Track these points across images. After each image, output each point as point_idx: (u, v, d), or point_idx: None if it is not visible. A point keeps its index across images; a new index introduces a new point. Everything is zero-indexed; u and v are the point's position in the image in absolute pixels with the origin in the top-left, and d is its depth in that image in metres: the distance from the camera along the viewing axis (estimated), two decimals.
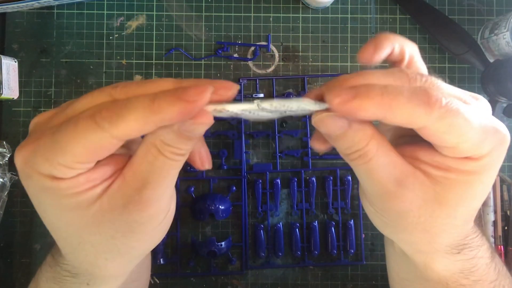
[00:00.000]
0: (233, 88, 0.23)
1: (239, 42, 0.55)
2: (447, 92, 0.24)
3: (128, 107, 0.21)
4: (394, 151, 0.25)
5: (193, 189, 0.54)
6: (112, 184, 0.24)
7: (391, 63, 0.28)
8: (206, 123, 0.22)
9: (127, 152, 0.25)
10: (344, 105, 0.22)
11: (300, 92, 0.55)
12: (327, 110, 0.23)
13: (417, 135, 0.24)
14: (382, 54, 0.26)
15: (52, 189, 0.23)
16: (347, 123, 0.23)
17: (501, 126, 0.24)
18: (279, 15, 0.56)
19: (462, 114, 0.22)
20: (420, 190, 0.24)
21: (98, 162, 0.23)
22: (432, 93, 0.22)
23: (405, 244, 0.28)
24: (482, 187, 0.25)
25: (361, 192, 0.28)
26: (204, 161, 0.27)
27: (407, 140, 0.27)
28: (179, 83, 0.23)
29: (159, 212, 0.25)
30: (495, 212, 0.54)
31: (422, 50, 0.57)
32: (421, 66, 0.28)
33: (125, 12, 0.55)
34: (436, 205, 0.25)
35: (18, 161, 0.23)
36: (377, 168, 0.24)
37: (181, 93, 0.21)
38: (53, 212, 0.24)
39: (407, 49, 0.27)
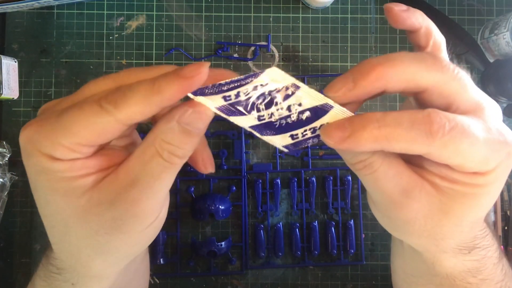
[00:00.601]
0: (232, 75, 0.23)
1: (239, 42, 0.55)
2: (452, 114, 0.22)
3: (131, 89, 0.22)
4: (400, 160, 0.24)
5: (193, 189, 0.54)
6: (105, 178, 0.24)
7: (416, 45, 0.28)
8: (204, 113, 0.23)
9: (127, 153, 0.25)
10: (341, 144, 0.22)
11: None
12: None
13: None
14: (409, 20, 0.26)
15: (49, 170, 0.23)
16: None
17: (509, 136, 0.23)
18: (279, 15, 0.56)
19: (467, 138, 0.22)
20: (426, 200, 0.24)
21: (97, 152, 0.24)
22: (434, 119, 0.21)
23: (413, 244, 0.28)
24: (489, 197, 0.25)
25: (369, 197, 0.28)
26: (207, 164, 0.27)
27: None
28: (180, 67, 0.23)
29: (146, 215, 0.25)
30: (495, 212, 0.54)
31: None
32: (444, 57, 0.28)
33: (125, 12, 0.55)
34: (442, 215, 0.25)
35: (22, 139, 0.23)
36: (383, 179, 0.24)
37: (179, 71, 0.22)
38: (46, 195, 0.24)
39: (435, 36, 0.27)
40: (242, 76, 0.23)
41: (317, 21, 0.56)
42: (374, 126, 0.21)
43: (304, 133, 0.25)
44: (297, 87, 0.23)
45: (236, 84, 0.23)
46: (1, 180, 0.52)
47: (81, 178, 0.23)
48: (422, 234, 0.26)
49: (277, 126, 0.25)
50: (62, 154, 0.23)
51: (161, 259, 0.53)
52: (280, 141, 0.25)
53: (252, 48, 0.55)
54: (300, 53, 0.56)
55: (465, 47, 0.52)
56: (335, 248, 0.54)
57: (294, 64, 0.55)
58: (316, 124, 0.24)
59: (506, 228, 0.54)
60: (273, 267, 0.54)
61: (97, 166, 0.24)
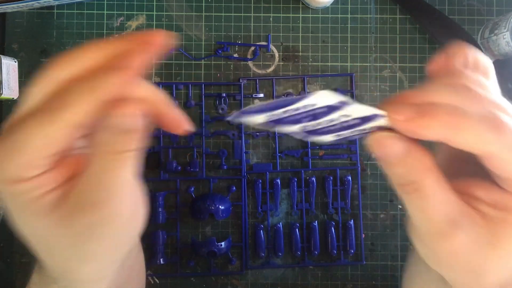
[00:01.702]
0: (165, 37, 0.24)
1: (239, 42, 0.55)
2: None
3: (70, 93, 0.22)
4: (449, 186, 0.23)
5: (193, 189, 0.54)
6: (71, 187, 0.24)
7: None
8: (129, 113, 0.22)
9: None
10: (409, 123, 0.21)
11: (300, 92, 0.55)
12: (385, 129, 0.22)
13: (468, 165, 0.23)
14: (454, 63, 0.24)
15: (13, 194, 0.23)
16: (407, 148, 0.22)
17: None
18: (279, 15, 0.56)
19: None
20: (474, 231, 0.23)
21: (60, 161, 0.23)
22: (503, 118, 0.21)
23: (452, 278, 0.26)
24: None
25: (410, 224, 0.25)
26: (177, 123, 0.26)
27: (458, 171, 0.25)
28: (105, 49, 0.23)
29: (116, 217, 0.24)
30: None
31: (422, 50, 0.57)
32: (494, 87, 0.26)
33: (125, 12, 0.55)
34: (490, 249, 0.23)
35: None
36: (432, 206, 0.22)
37: (118, 63, 0.22)
38: (19, 218, 0.24)
39: (481, 63, 0.25)
40: (289, 99, 0.22)
41: (317, 21, 0.56)
42: (445, 111, 0.21)
43: (351, 134, 0.25)
44: (347, 104, 0.22)
45: (282, 104, 0.22)
46: None
47: (47, 195, 0.23)
48: (464, 268, 0.24)
49: (323, 131, 0.25)
50: (20, 174, 0.22)
51: (161, 259, 0.53)
52: (327, 139, 0.26)
53: (252, 48, 0.55)
54: (300, 53, 0.56)
55: None
56: (335, 248, 0.54)
57: (294, 64, 0.55)
58: (364, 127, 0.23)
59: None
60: (273, 267, 0.54)
61: (60, 178, 0.23)
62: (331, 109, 0.23)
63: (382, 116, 0.22)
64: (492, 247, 0.23)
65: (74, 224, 0.24)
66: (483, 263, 0.23)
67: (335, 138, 0.26)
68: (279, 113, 0.23)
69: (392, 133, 0.22)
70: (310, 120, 0.24)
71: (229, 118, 0.24)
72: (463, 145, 0.21)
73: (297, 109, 0.23)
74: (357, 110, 0.23)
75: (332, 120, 0.24)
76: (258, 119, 0.24)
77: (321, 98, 0.22)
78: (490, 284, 0.25)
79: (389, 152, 0.22)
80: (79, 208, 0.23)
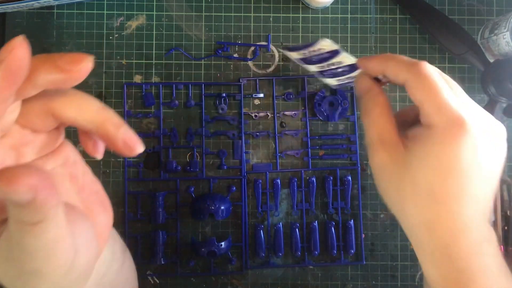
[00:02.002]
0: (84, 61, 0.21)
1: (239, 42, 0.55)
2: (437, 72, 0.33)
3: None
4: (391, 120, 0.35)
5: (193, 189, 0.54)
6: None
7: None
8: (20, 190, 0.18)
9: None
10: (363, 61, 0.37)
11: (300, 92, 0.55)
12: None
13: (414, 120, 0.35)
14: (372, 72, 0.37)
15: None
16: (370, 86, 0.36)
17: (465, 118, 0.31)
18: (279, 15, 0.56)
19: (435, 83, 0.32)
20: (394, 153, 0.34)
21: None
22: (418, 62, 0.33)
23: (380, 191, 0.37)
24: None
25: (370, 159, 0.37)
26: (127, 146, 0.23)
27: (406, 123, 0.37)
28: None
29: (45, 273, 0.22)
30: (495, 212, 0.54)
31: (422, 50, 0.57)
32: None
33: (125, 12, 0.55)
34: (404, 168, 0.33)
35: None
36: (373, 125, 0.35)
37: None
38: None
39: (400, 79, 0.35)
40: (306, 44, 0.41)
41: (317, 21, 0.56)
42: (380, 56, 0.35)
43: (345, 80, 0.42)
44: (339, 52, 0.39)
45: (304, 47, 0.41)
46: None
47: None
48: (386, 183, 0.35)
49: (329, 74, 0.42)
50: None
51: (161, 259, 0.53)
52: (332, 82, 0.44)
53: (252, 48, 0.55)
54: None
55: (465, 47, 0.52)
56: (335, 248, 0.54)
57: (294, 64, 0.55)
58: (352, 75, 0.40)
59: (506, 228, 0.54)
60: (273, 267, 0.54)
61: None
62: (331, 54, 0.39)
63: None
64: (405, 169, 0.33)
65: (12, 270, 0.22)
66: (399, 180, 0.33)
67: (337, 83, 0.43)
68: (305, 52, 0.41)
69: (365, 76, 0.37)
70: (320, 62, 0.41)
71: (281, 49, 0.41)
72: (391, 75, 0.34)
73: (313, 51, 0.40)
74: (346, 57, 0.39)
75: (333, 64, 0.40)
76: (294, 55, 0.43)
77: (325, 44, 0.39)
78: (405, 195, 0.34)
79: (360, 87, 0.37)
80: (6, 259, 0.21)
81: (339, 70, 0.40)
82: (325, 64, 0.40)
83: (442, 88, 0.32)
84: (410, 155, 0.33)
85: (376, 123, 0.35)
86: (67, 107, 0.22)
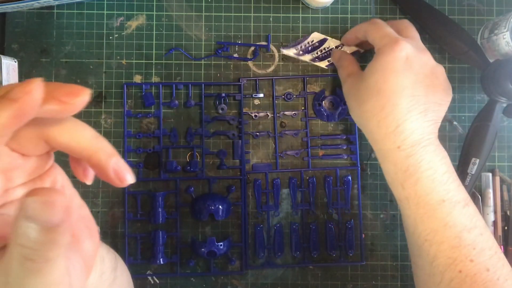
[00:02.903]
0: (81, 95, 0.20)
1: (239, 42, 0.55)
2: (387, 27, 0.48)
3: None
4: (353, 60, 0.52)
5: (192, 189, 0.54)
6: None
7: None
8: (56, 201, 0.18)
9: None
10: (343, 38, 0.55)
11: (300, 92, 0.55)
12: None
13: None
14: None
15: None
16: (342, 54, 0.53)
17: (400, 38, 0.45)
18: (279, 15, 0.56)
19: (381, 25, 0.47)
20: (355, 77, 0.49)
21: None
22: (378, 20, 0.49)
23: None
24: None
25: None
26: (118, 176, 0.23)
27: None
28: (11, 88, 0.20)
29: None
30: (495, 212, 0.54)
31: None
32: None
33: (125, 12, 0.55)
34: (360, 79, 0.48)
35: None
36: (341, 70, 0.52)
37: (8, 94, 0.19)
38: None
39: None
40: (301, 39, 0.55)
41: (317, 21, 0.56)
42: (352, 29, 0.53)
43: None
44: (326, 39, 0.55)
45: (298, 42, 0.55)
46: None
47: None
48: (348, 95, 0.51)
49: (321, 58, 0.55)
50: None
51: (161, 259, 0.53)
52: (323, 64, 0.55)
53: (252, 48, 0.55)
54: None
55: (465, 47, 0.52)
56: (335, 248, 0.54)
57: (294, 64, 0.55)
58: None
59: (506, 228, 0.54)
60: (273, 267, 0.54)
61: None
62: (321, 42, 0.55)
63: (343, 44, 0.55)
64: (362, 82, 0.47)
65: None
66: (358, 91, 0.47)
67: (329, 63, 0.55)
68: (300, 47, 0.54)
69: (337, 50, 0.55)
70: (313, 51, 0.55)
71: (282, 49, 0.54)
72: (361, 35, 0.51)
73: (307, 43, 0.54)
74: (332, 42, 0.55)
75: (322, 50, 0.55)
76: (291, 52, 0.54)
77: (315, 36, 0.55)
78: (362, 100, 0.46)
79: (334, 56, 0.54)
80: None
81: (328, 53, 0.55)
82: (317, 51, 0.55)
83: (386, 27, 0.47)
84: (365, 72, 0.47)
85: (345, 66, 0.51)
86: (60, 134, 0.22)
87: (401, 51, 0.44)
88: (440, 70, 0.47)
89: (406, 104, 0.43)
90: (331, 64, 0.55)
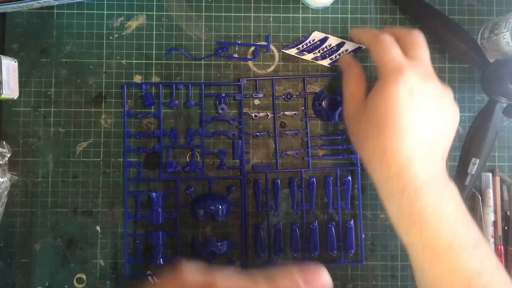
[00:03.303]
0: None
1: (239, 42, 0.55)
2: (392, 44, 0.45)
3: None
4: (360, 81, 0.48)
5: (192, 189, 0.54)
6: None
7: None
8: None
9: None
10: (354, 34, 0.52)
11: (300, 92, 0.55)
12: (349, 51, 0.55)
13: None
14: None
15: None
16: (350, 61, 0.51)
17: (404, 66, 0.42)
18: (279, 15, 0.56)
19: (385, 44, 0.44)
20: (358, 103, 0.47)
21: None
22: (380, 31, 0.47)
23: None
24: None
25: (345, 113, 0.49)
26: None
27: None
28: None
29: None
30: (495, 212, 0.54)
31: None
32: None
33: (125, 12, 0.55)
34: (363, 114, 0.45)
35: None
36: (347, 83, 0.49)
37: None
38: None
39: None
40: (302, 38, 0.55)
41: (317, 21, 0.56)
42: (360, 30, 0.51)
43: (334, 58, 0.55)
44: (328, 37, 0.54)
45: (300, 42, 0.54)
46: (1, 180, 0.52)
47: None
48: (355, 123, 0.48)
49: (323, 56, 0.55)
50: None
51: (161, 259, 0.53)
52: (326, 62, 0.55)
53: (252, 48, 0.55)
54: None
55: (465, 47, 0.52)
56: (335, 248, 0.54)
57: (294, 64, 0.55)
58: (340, 51, 0.55)
59: (506, 228, 0.54)
60: (273, 267, 0.54)
61: None
62: (322, 41, 0.54)
63: (344, 42, 0.55)
64: (363, 112, 0.45)
65: None
66: (359, 121, 0.45)
67: (330, 61, 0.55)
68: (302, 46, 0.54)
69: (347, 55, 0.54)
70: (314, 49, 0.54)
71: (283, 49, 0.54)
72: (364, 42, 0.50)
73: (308, 42, 0.54)
74: (333, 39, 0.54)
75: (323, 49, 0.54)
76: (292, 52, 0.54)
77: (316, 35, 0.55)
78: (362, 132, 0.45)
79: (343, 62, 0.52)
80: None
81: (330, 51, 0.54)
82: (318, 49, 0.54)
83: (391, 48, 0.44)
84: (367, 101, 0.45)
85: (350, 86, 0.48)
86: None
87: (404, 85, 0.41)
88: (447, 94, 0.44)
89: (410, 147, 0.41)
90: (334, 62, 0.55)
